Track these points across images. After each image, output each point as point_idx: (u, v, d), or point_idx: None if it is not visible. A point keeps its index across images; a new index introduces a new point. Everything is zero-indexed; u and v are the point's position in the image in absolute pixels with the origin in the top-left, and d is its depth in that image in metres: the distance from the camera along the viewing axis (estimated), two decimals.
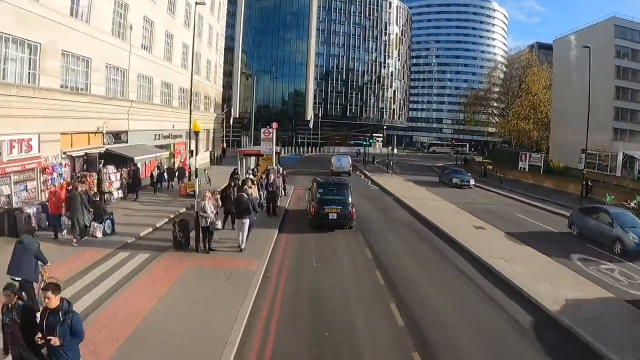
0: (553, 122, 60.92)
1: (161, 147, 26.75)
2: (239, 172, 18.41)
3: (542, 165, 44.98)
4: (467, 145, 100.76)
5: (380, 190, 26.34)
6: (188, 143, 30.83)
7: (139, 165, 22.70)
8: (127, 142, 21.86)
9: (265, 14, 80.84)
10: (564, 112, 54.28)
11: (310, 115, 77.60)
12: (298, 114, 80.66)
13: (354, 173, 36.48)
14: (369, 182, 29.91)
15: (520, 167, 46.38)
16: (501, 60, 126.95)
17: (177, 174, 22.62)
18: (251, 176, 17.48)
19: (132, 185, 19.86)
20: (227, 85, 79.47)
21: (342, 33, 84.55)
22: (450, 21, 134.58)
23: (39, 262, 7.60)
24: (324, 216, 14.89)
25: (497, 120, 72.32)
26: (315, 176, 19.53)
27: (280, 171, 19.28)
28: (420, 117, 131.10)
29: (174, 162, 29.14)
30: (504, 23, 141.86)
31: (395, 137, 36.09)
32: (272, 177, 15.95)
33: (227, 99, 76.47)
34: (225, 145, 71.48)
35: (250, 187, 14.61)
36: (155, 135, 25.57)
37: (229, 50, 79.64)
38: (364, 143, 43.93)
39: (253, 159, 22.97)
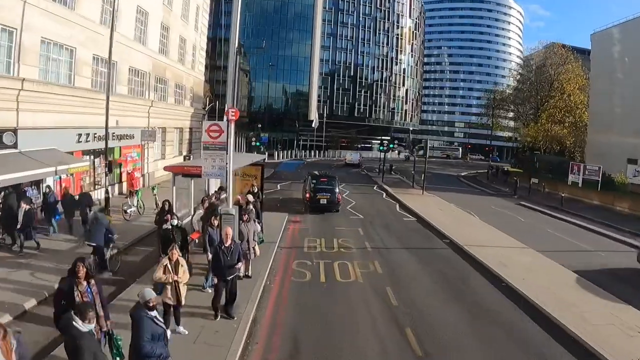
0: (590, 127, 52.39)
1: (93, 153, 18.21)
2: (174, 212, 9.59)
3: (599, 179, 36.20)
4: (460, 149, 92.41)
5: (418, 223, 17.44)
6: (145, 146, 22.39)
7: (41, 186, 14.31)
8: (15, 146, 13.33)
9: (265, 2, 72.32)
10: (604, 115, 45.95)
11: (313, 115, 68.94)
12: (300, 114, 72.04)
13: (372, 189, 27.91)
14: (397, 207, 21.01)
15: (570, 181, 37.64)
16: (516, 61, 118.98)
17: (76, 203, 12.85)
18: (188, 224, 8.74)
19: (6, 225, 11.29)
20: (222, 81, 71.29)
21: (351, 25, 76.04)
22: (463, 18, 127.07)
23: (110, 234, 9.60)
24: (317, 201, 18.20)
25: (525, 123, 63.50)
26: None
27: (252, 204, 10.54)
28: (431, 120, 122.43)
29: (119, 174, 20.62)
30: (520, 21, 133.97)
31: (428, 142, 27.19)
32: (229, 234, 7.17)
33: (221, 96, 68.17)
34: None
35: (175, 274, 6.05)
36: (81, 135, 16.97)
37: (224, 41, 71.45)
38: (381, 148, 35.09)
39: (216, 181, 13.64)
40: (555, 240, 16.62)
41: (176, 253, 6.31)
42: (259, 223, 10.81)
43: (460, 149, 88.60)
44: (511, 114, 70.90)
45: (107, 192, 13.13)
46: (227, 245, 7.22)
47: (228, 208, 8.29)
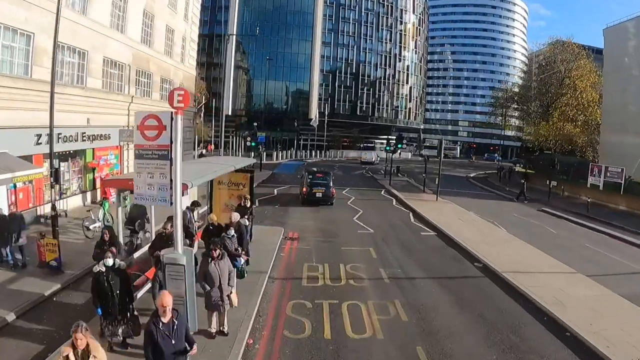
0: (603, 125, 49.80)
1: (58, 156, 15.62)
2: (120, 243, 6.94)
3: (622, 181, 33.52)
4: (458, 148, 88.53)
5: (440, 239, 14.61)
6: (122, 148, 19.84)
7: None
8: None
9: None
10: (618, 114, 43.32)
11: (314, 113, 66.32)
12: (300, 113, 69.44)
13: (379, 194, 25.28)
14: (411, 216, 18.34)
15: (590, 184, 34.98)
16: (521, 59, 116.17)
17: (7, 226, 9.40)
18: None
19: None
20: (219, 78, 68.76)
21: (353, 20, 73.29)
22: (467, 15, 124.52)
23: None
24: (313, 194, 20.15)
25: (535, 121, 60.82)
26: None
27: (234, 228, 8.25)
28: (434, 119, 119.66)
29: (92, 180, 18.03)
30: (524, 18, 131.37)
31: (442, 142, 24.51)
32: (165, 305, 4.37)
33: (218, 94, 65.57)
34: (212, 147, 60.83)
35: None
36: (40, 136, 14.41)
37: (222, 38, 68.81)
38: (387, 148, 32.39)
39: (192, 192, 9.88)
40: (599, 259, 14.01)
41: (83, 337, 3.75)
42: (243, 252, 8.17)
43: (458, 148, 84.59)
44: (516, 113, 68.13)
45: (53, 208, 10.43)
46: (165, 321, 4.52)
47: (174, 253, 5.50)
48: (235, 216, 8.69)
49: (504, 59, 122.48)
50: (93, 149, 17.82)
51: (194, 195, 10.50)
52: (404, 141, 32.42)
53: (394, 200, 22.60)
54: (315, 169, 22.62)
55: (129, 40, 20.08)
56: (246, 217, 10.31)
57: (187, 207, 9.04)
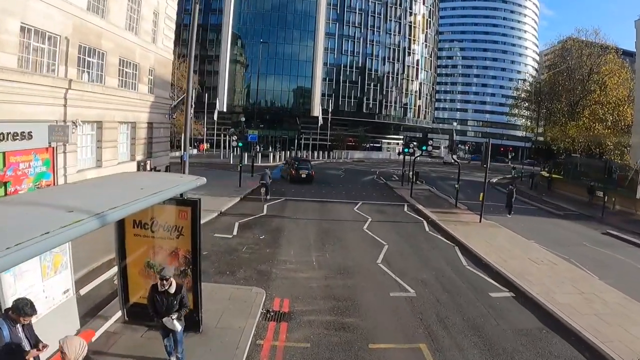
0: (635, 127, 44.58)
1: None
2: None
3: None
4: (442, 147, 78.83)
5: (522, 305, 8.81)
6: (56, 151, 14.44)
7: None
8: None
9: None
10: None
11: (317, 110, 60.93)
12: (302, 110, 64.08)
13: (402, 211, 19.51)
14: (459, 253, 12.54)
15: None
16: (532, 56, 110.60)
17: None
18: None
19: None
20: (213, 72, 63.50)
21: (359, 10, 67.81)
22: (477, 10, 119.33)
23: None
24: (299, 175, 26.97)
25: (562, 122, 55.24)
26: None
27: None
28: (442, 117, 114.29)
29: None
30: (535, 14, 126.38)
31: (490, 143, 18.80)
32: None
33: (212, 88, 60.22)
34: (206, 146, 55.39)
35: None
36: None
37: (215, 28, 63.41)
38: (406, 150, 26.89)
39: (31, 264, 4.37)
40: None
41: None
42: None
43: (442, 147, 75.17)
44: (527, 112, 62.68)
45: None
46: None
47: None
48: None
49: (516, 56, 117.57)
50: (3, 153, 12.41)
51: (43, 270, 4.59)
52: (431, 142, 26.88)
53: (425, 222, 16.81)
54: (300, 157, 29.03)
55: (67, 4, 14.61)
56: (173, 317, 4.96)
57: (1, 317, 3.54)
